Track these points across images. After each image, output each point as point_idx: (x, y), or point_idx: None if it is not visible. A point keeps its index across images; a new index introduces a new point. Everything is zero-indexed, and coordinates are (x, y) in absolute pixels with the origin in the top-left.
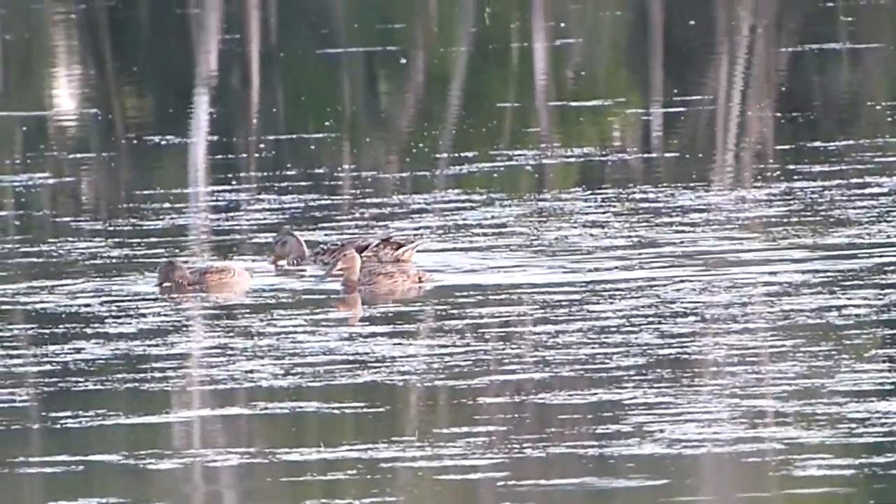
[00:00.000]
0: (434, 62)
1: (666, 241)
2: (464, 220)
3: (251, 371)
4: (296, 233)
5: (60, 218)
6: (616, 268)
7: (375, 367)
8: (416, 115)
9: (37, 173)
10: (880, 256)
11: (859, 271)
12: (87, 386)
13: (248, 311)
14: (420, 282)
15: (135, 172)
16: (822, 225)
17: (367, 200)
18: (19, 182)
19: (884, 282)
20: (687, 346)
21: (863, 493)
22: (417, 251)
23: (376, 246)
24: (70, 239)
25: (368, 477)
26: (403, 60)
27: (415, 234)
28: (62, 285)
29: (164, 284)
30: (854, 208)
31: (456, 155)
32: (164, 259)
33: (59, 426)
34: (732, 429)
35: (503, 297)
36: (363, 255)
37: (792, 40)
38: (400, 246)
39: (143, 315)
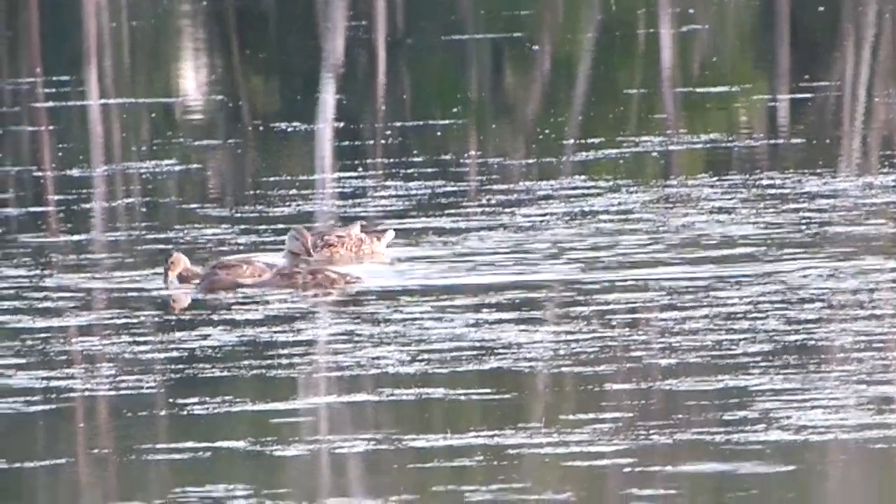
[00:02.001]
0: (560, 49)
1: (793, 227)
2: (590, 206)
3: (377, 358)
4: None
5: (187, 205)
6: (742, 254)
7: (502, 354)
8: (542, 101)
9: (164, 160)
10: None
11: None
12: (213, 372)
13: (374, 297)
14: (347, 284)
15: (261, 159)
16: None
17: (494, 187)
18: (146, 169)
19: None
20: (814, 333)
21: None
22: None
23: (364, 237)
24: (197, 225)
25: (495, 463)
26: (535, 47)
27: (380, 227)
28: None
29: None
30: None
31: (582, 141)
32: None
33: (185, 413)
34: (859, 415)
35: (629, 283)
36: (360, 247)
37: None
38: (379, 238)
39: (270, 302)
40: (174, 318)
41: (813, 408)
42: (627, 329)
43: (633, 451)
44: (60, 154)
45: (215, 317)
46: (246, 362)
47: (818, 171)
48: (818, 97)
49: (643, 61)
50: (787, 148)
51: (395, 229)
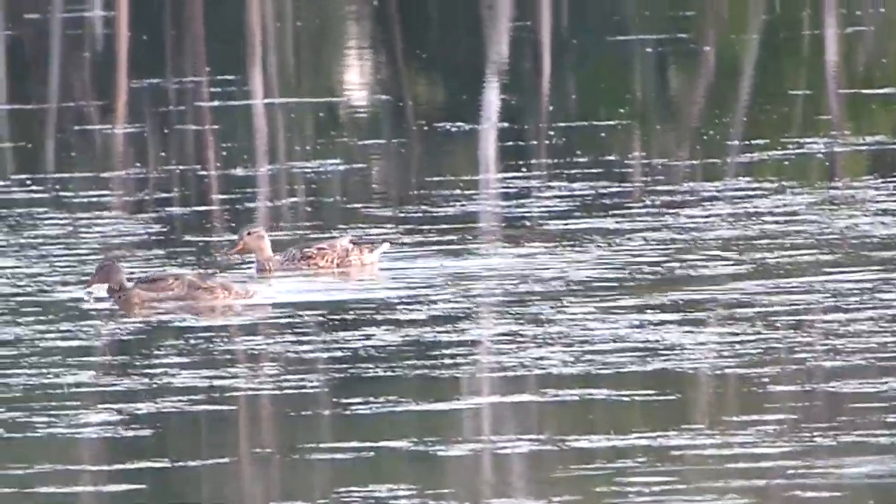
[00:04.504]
0: (724, 49)
1: None
2: (755, 207)
3: (541, 358)
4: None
5: (351, 204)
6: None
7: (665, 355)
8: (706, 102)
9: (328, 159)
10: None
11: None
12: (377, 372)
13: (538, 298)
14: (244, 297)
15: (425, 159)
16: None
17: (658, 188)
18: (310, 168)
19: None
20: None
21: None
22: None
23: (352, 249)
24: (361, 225)
25: (658, 465)
26: (706, 48)
27: (371, 239)
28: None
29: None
30: None
31: (747, 142)
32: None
33: (349, 412)
34: None
35: (794, 285)
36: (344, 259)
37: None
38: (370, 249)
39: (434, 301)
40: (338, 317)
41: None
42: (791, 331)
43: (796, 453)
44: (225, 153)
45: (378, 316)
46: (409, 362)
47: None
48: None
49: (808, 62)
50: None
51: (391, 241)
